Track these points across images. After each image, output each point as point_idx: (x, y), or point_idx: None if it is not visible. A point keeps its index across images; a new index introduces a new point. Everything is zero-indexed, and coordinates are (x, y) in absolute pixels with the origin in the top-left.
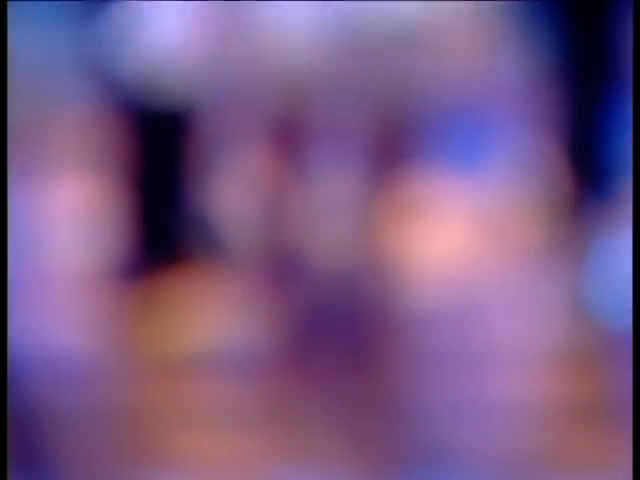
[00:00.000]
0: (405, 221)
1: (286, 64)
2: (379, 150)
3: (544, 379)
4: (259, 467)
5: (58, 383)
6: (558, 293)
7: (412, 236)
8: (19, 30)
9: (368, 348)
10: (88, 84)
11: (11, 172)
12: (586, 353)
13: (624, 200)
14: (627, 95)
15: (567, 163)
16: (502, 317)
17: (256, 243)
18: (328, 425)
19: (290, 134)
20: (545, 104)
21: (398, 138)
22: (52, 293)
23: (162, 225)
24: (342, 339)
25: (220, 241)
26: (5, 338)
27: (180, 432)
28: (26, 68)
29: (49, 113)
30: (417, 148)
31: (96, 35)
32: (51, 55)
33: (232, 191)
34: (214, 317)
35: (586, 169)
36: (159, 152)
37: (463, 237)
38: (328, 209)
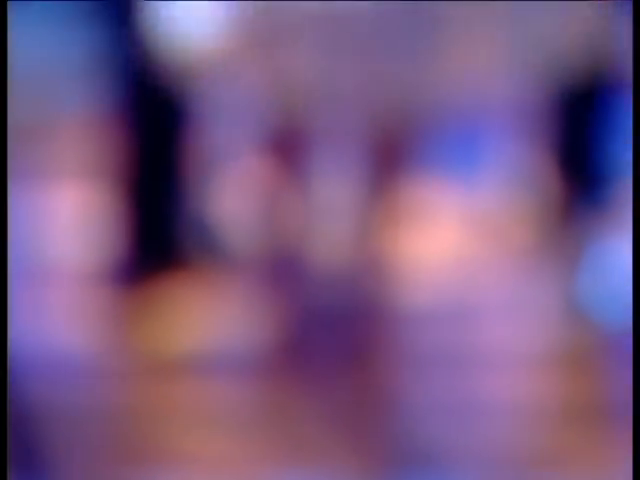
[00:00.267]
0: (402, 225)
1: (286, 69)
2: (377, 156)
3: (539, 380)
4: (257, 467)
5: (57, 383)
6: (551, 295)
7: (409, 240)
8: (18, 32)
9: (366, 350)
10: (87, 86)
11: (11, 173)
12: (580, 354)
13: (615, 204)
14: (619, 100)
15: (559, 169)
16: (496, 318)
17: (254, 246)
18: (325, 425)
19: (289, 139)
20: (537, 110)
21: (396, 144)
22: (51, 294)
23: (161, 227)
24: (339, 341)
25: (218, 244)
26: (5, 339)
27: (179, 432)
28: (25, 69)
29: (47, 115)
30: (414, 154)
31: (96, 36)
32: (51, 56)
33: (231, 195)
34: (212, 318)
35: (578, 175)
36: (159, 155)
37: (458, 241)
38: (326, 213)
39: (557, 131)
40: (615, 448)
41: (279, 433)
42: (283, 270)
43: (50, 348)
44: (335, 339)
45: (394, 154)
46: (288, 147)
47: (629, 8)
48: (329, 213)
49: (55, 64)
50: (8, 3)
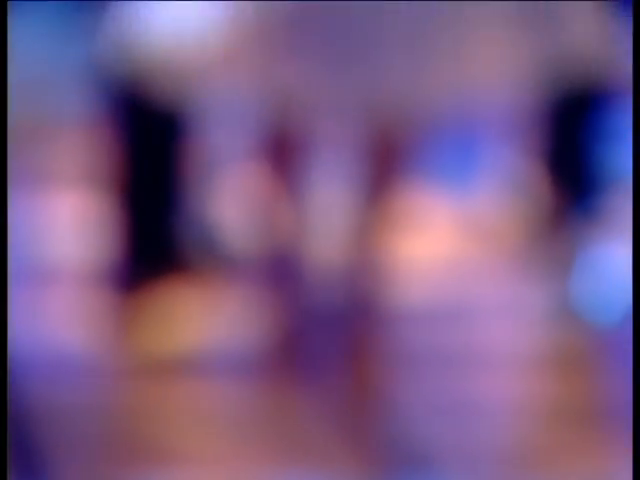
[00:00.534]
0: (398, 229)
1: (283, 73)
2: (374, 160)
3: (533, 381)
4: (256, 467)
5: (56, 383)
6: (544, 297)
7: (404, 243)
8: (16, 37)
9: (363, 351)
10: (83, 90)
11: (10, 176)
12: (573, 355)
13: (608, 210)
14: (613, 106)
15: (551, 175)
16: (490, 320)
17: (252, 248)
18: (323, 425)
19: (286, 142)
20: (530, 116)
21: (392, 149)
22: (50, 295)
23: (159, 229)
24: (336, 342)
25: (217, 246)
26: (5, 340)
27: (178, 432)
28: (23, 73)
29: (45, 119)
30: (410, 159)
31: (95, 40)
32: (48, 60)
33: (229, 198)
34: (211, 319)
35: (571, 180)
36: (157, 158)
37: (452, 244)
38: (323, 216)
39: (550, 137)
40: (611, 448)
41: (277, 433)
42: (280, 272)
43: (50, 348)
44: (332, 340)
45: (390, 158)
46: (285, 151)
47: (624, 13)
48: (326, 216)
49: (51, 68)
50: (8, 3)
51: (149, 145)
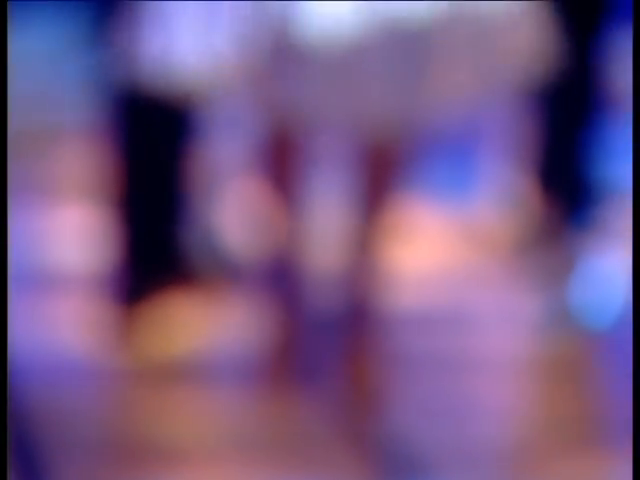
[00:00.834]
0: (393, 239)
1: (282, 90)
2: (369, 174)
3: (527, 385)
4: (255, 468)
5: (56, 387)
6: (539, 305)
7: (400, 253)
8: (21, 45)
9: (361, 356)
10: (89, 100)
11: (11, 184)
12: (566, 362)
13: (602, 221)
14: (608, 120)
15: (545, 188)
16: (484, 326)
17: (252, 257)
18: (322, 429)
19: (285, 156)
20: (524, 131)
21: (387, 163)
22: (52, 302)
23: (161, 237)
24: (336, 347)
25: (219, 254)
26: (5, 343)
27: (178, 436)
28: (28, 83)
29: (47, 127)
30: (405, 173)
31: (99, 50)
32: (50, 70)
33: (231, 208)
34: (212, 325)
35: (563, 190)
36: (159, 167)
37: (446, 254)
38: (321, 226)
39: (544, 149)
40: (606, 452)
41: (278, 436)
42: (280, 279)
43: (51, 353)
44: (331, 345)
45: (386, 170)
46: (285, 162)
47: (611, 35)
48: (324, 225)
49: (55, 79)
50: (9, 6)
51: (151, 155)
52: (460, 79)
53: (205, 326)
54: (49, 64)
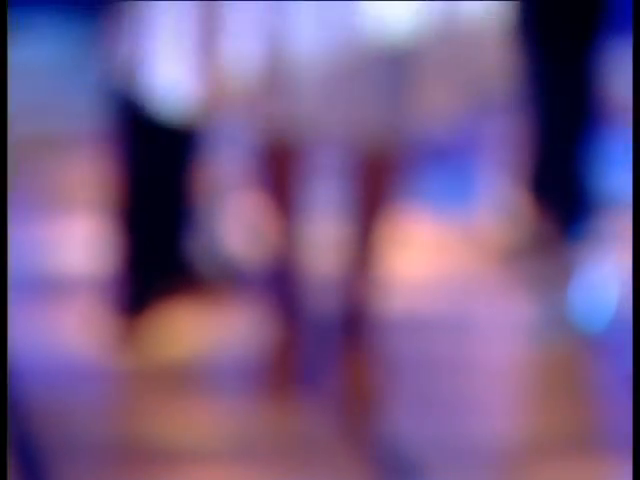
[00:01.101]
0: (389, 247)
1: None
2: (366, 184)
3: (520, 386)
4: (256, 470)
5: (59, 389)
6: (533, 312)
7: (396, 262)
8: (25, 54)
9: (360, 365)
10: (93, 105)
11: (14, 191)
12: (562, 367)
13: (598, 232)
14: (604, 131)
15: (541, 199)
16: (479, 330)
17: (253, 265)
18: (322, 432)
19: (284, 168)
20: (519, 141)
21: (383, 174)
22: (55, 306)
23: (166, 245)
24: (334, 357)
25: (221, 262)
26: (5, 346)
27: (180, 438)
28: (30, 86)
29: (52, 134)
30: (401, 184)
31: (105, 63)
32: (56, 75)
33: (234, 217)
34: (213, 330)
35: (559, 203)
36: (163, 178)
37: (443, 263)
38: (319, 238)
39: (537, 159)
40: (604, 459)
41: (278, 437)
42: (280, 286)
43: (55, 356)
44: (331, 349)
45: (382, 181)
46: (282, 175)
47: (605, 50)
48: (322, 235)
49: (57, 88)
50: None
51: (155, 164)
52: (452, 92)
53: (207, 330)
54: (52, 75)
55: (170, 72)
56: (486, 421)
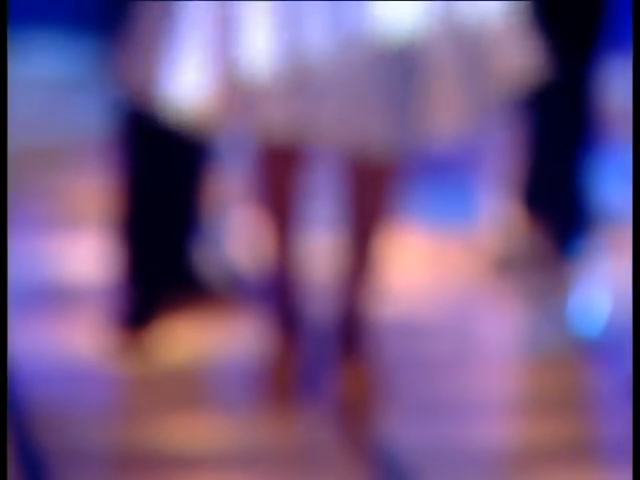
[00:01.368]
0: (387, 260)
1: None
2: (364, 194)
3: (516, 380)
4: (256, 472)
5: (61, 392)
6: (527, 328)
7: (393, 275)
8: (23, 58)
9: (359, 369)
10: (102, 113)
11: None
12: (553, 361)
13: (595, 247)
14: (601, 146)
15: (536, 213)
16: (474, 333)
17: (254, 275)
18: (324, 438)
19: (285, 181)
20: (515, 154)
21: (381, 183)
22: (59, 314)
23: (170, 255)
24: (333, 362)
25: (225, 274)
26: (5, 351)
27: (182, 443)
28: (32, 98)
29: (59, 147)
30: (398, 195)
31: (110, 75)
32: (61, 84)
33: (237, 228)
34: (216, 338)
35: (556, 218)
36: (173, 185)
37: (439, 276)
38: (319, 246)
39: (533, 172)
40: (601, 468)
41: (280, 444)
42: (280, 294)
43: (60, 362)
44: (329, 356)
45: (379, 191)
46: (282, 186)
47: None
48: (321, 244)
49: (61, 100)
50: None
51: (159, 176)
52: (452, 100)
53: (210, 339)
54: (58, 86)
55: (178, 82)
56: (484, 427)
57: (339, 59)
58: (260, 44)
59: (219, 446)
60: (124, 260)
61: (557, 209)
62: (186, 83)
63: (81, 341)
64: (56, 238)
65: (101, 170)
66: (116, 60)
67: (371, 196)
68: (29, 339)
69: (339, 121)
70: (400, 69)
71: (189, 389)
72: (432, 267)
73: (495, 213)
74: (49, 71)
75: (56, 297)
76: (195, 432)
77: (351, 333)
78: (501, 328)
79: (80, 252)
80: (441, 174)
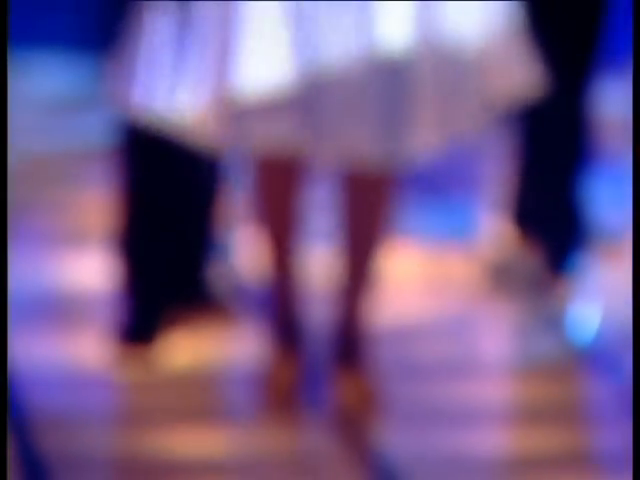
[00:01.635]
0: (384, 270)
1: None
2: (359, 209)
3: (514, 387)
4: (257, 474)
5: (63, 396)
6: (520, 348)
7: (390, 285)
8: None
9: (358, 374)
10: (102, 127)
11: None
12: (549, 365)
13: (588, 266)
14: (595, 163)
15: (528, 230)
16: (472, 334)
17: (255, 284)
18: (326, 445)
19: (283, 191)
20: (508, 171)
21: (376, 197)
22: (62, 321)
23: (175, 266)
24: (333, 360)
25: (231, 285)
26: (5, 355)
27: (185, 447)
28: (32, 113)
29: (57, 156)
30: (392, 211)
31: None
32: (63, 99)
33: (240, 243)
34: (222, 346)
35: (549, 235)
36: (181, 199)
37: (425, 300)
38: (317, 257)
39: (526, 190)
40: (597, 476)
41: (283, 451)
42: (280, 302)
43: (59, 368)
44: (328, 368)
45: (374, 205)
46: (284, 200)
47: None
48: (319, 256)
49: (61, 115)
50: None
51: (162, 190)
52: (446, 116)
53: (213, 348)
54: (61, 102)
55: (177, 98)
56: (480, 436)
57: (336, 74)
58: (257, 61)
59: (220, 454)
60: (125, 272)
61: (552, 223)
62: (185, 99)
63: (84, 350)
64: (59, 252)
65: (102, 185)
66: (115, 78)
67: (368, 208)
68: (32, 349)
69: (335, 135)
70: (394, 84)
71: (190, 397)
72: (429, 278)
73: (490, 226)
74: (50, 89)
75: (60, 308)
76: (196, 440)
77: (349, 343)
78: (497, 339)
79: (82, 265)
80: (435, 188)
